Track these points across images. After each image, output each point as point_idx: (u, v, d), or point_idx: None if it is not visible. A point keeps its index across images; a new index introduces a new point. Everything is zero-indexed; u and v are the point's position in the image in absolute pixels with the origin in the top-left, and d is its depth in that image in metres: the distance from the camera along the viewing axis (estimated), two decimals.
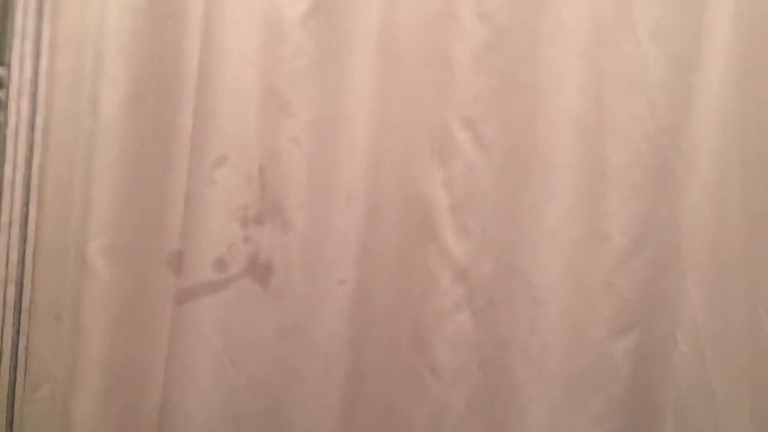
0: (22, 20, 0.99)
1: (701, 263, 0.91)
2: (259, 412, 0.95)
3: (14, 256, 0.99)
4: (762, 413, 0.90)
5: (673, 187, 0.91)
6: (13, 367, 0.99)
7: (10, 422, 0.98)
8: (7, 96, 0.99)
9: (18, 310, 1.00)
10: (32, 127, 1.00)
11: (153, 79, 0.93)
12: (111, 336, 0.92)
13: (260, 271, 0.96)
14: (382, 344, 0.96)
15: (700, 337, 0.92)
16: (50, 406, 0.97)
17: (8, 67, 1.00)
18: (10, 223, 1.00)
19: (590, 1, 0.89)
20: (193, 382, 0.95)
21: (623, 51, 0.89)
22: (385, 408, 0.96)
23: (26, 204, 1.00)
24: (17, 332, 1.00)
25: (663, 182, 0.91)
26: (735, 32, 0.88)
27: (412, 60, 0.93)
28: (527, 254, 0.91)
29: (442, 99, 0.92)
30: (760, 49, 0.88)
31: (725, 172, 0.90)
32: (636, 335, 0.92)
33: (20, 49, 1.00)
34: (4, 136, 0.99)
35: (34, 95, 1.00)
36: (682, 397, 0.92)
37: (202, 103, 0.94)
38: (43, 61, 1.00)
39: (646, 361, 0.93)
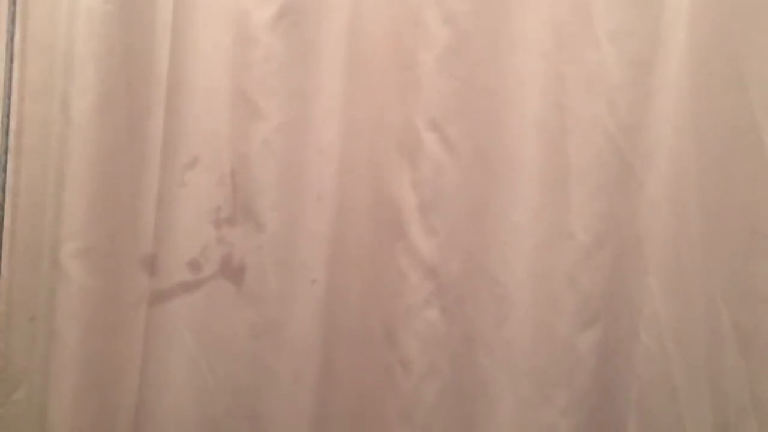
0: None
1: (661, 258, 0.93)
2: (233, 411, 0.96)
3: None
4: (722, 404, 0.91)
5: (633, 185, 0.93)
6: None
7: None
8: None
9: None
10: (6, 131, 1.00)
11: (123, 83, 0.94)
12: (86, 337, 0.93)
13: (234, 271, 0.97)
14: (353, 341, 0.97)
15: (661, 330, 0.93)
16: (26, 408, 0.98)
17: None
18: None
19: (551, 7, 0.91)
20: (168, 382, 0.96)
21: (583, 54, 0.91)
22: (357, 403, 0.97)
23: (0, 207, 1.00)
24: None
25: (623, 180, 0.92)
26: (690, 35, 0.90)
27: (379, 63, 0.95)
28: (494, 252, 0.93)
29: (408, 101, 0.94)
30: (714, 51, 0.89)
31: (683, 169, 0.92)
32: (599, 329, 0.94)
33: None
34: None
35: (7, 99, 1.00)
36: (644, 389, 0.93)
37: (172, 107, 0.95)
38: (16, 65, 1.00)
39: (610, 355, 0.94)
